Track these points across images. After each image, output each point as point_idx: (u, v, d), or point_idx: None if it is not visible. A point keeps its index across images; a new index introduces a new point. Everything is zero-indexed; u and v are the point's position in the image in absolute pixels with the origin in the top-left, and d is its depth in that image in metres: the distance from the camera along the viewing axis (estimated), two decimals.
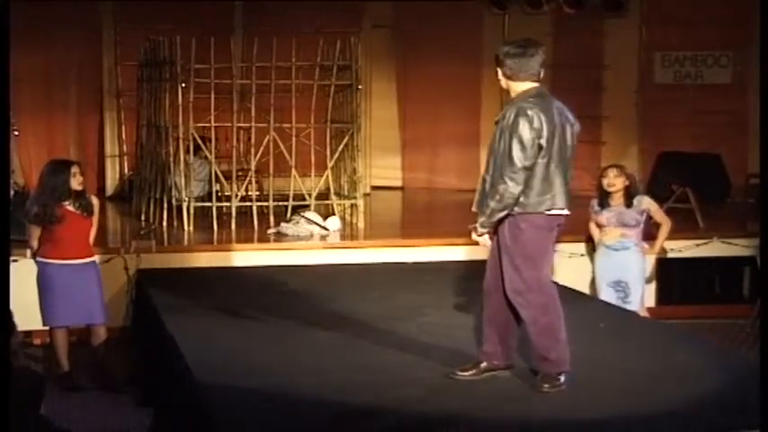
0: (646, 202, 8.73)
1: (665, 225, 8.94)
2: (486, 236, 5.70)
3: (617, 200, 8.65)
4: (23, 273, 7.99)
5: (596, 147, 13.87)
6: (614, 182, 8.59)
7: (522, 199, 5.55)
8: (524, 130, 5.49)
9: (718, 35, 13.62)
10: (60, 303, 7.74)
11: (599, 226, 8.81)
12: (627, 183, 8.65)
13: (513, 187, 5.51)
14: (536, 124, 5.51)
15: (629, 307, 8.47)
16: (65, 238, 7.72)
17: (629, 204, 8.61)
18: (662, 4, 13.73)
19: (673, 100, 13.70)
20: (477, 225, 5.66)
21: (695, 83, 13.82)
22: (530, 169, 5.52)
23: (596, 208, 8.78)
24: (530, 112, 5.52)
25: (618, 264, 8.67)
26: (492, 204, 5.56)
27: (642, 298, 8.76)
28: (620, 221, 8.63)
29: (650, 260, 9.31)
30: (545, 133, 5.53)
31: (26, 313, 7.69)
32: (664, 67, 13.88)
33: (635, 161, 13.76)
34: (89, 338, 7.97)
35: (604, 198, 8.69)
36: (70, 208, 7.73)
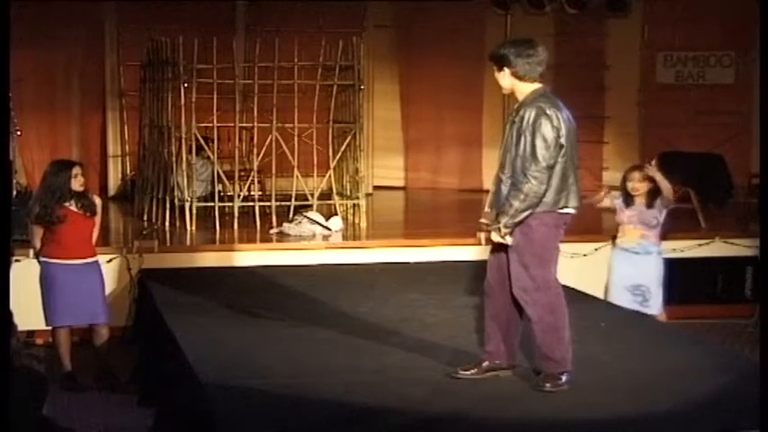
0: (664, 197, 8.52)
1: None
2: (509, 237, 5.68)
3: (639, 200, 8.50)
4: (26, 272, 8.00)
5: (598, 146, 13.88)
6: (638, 186, 8.42)
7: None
8: (547, 130, 5.55)
9: (721, 35, 13.60)
10: (63, 303, 7.75)
11: (619, 223, 8.62)
12: (651, 186, 8.44)
13: (537, 186, 5.55)
14: (556, 123, 5.58)
15: (647, 311, 8.34)
16: (67, 238, 7.73)
17: (650, 205, 8.46)
18: (664, 5, 13.72)
19: (675, 100, 13.69)
20: (501, 225, 5.65)
21: (697, 83, 13.81)
22: (552, 168, 5.57)
23: (619, 204, 8.58)
24: (549, 112, 5.59)
25: (637, 267, 8.50)
26: (516, 204, 5.58)
27: (662, 302, 8.59)
28: (640, 220, 8.48)
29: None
30: (563, 132, 5.58)
31: (29, 313, 7.70)
32: (666, 67, 13.87)
33: (637, 161, 13.75)
34: (91, 338, 7.98)
35: (628, 198, 8.52)
36: (73, 208, 7.75)
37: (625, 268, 8.57)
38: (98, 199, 8.04)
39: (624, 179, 8.59)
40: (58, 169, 7.82)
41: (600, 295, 8.61)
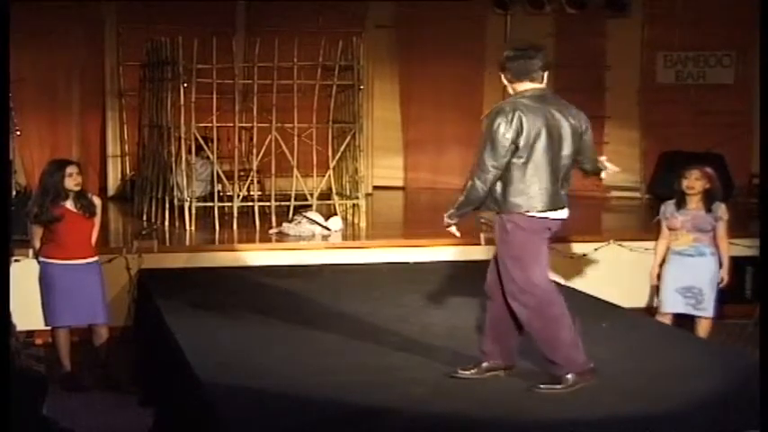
0: (722, 211, 8.21)
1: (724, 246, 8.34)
2: (454, 227, 5.82)
3: (695, 203, 8.21)
4: (26, 272, 8.00)
5: (598, 147, 13.69)
6: (694, 184, 8.15)
7: (500, 199, 5.62)
8: (498, 131, 5.54)
9: (721, 35, 13.59)
10: (62, 303, 7.75)
11: (671, 229, 8.31)
12: (707, 186, 8.18)
13: (478, 185, 5.60)
14: (514, 125, 5.53)
15: (700, 313, 8.20)
16: (67, 238, 7.72)
17: (708, 209, 8.16)
18: (664, 5, 13.72)
19: (675, 100, 13.68)
20: (446, 215, 5.80)
21: (697, 83, 13.80)
22: (500, 169, 5.56)
23: (670, 210, 8.30)
24: (508, 109, 5.57)
25: (691, 269, 8.24)
26: (460, 198, 5.70)
27: (714, 304, 8.31)
28: (694, 226, 8.19)
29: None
30: (524, 134, 5.53)
31: (28, 313, 7.72)
32: (666, 67, 13.86)
33: (637, 161, 13.78)
34: (91, 338, 7.98)
35: (682, 200, 8.25)
36: (71, 208, 7.74)
37: (678, 271, 8.30)
38: (97, 199, 8.03)
39: (679, 177, 8.30)
40: (54, 169, 7.82)
41: (603, 296, 8.58)
